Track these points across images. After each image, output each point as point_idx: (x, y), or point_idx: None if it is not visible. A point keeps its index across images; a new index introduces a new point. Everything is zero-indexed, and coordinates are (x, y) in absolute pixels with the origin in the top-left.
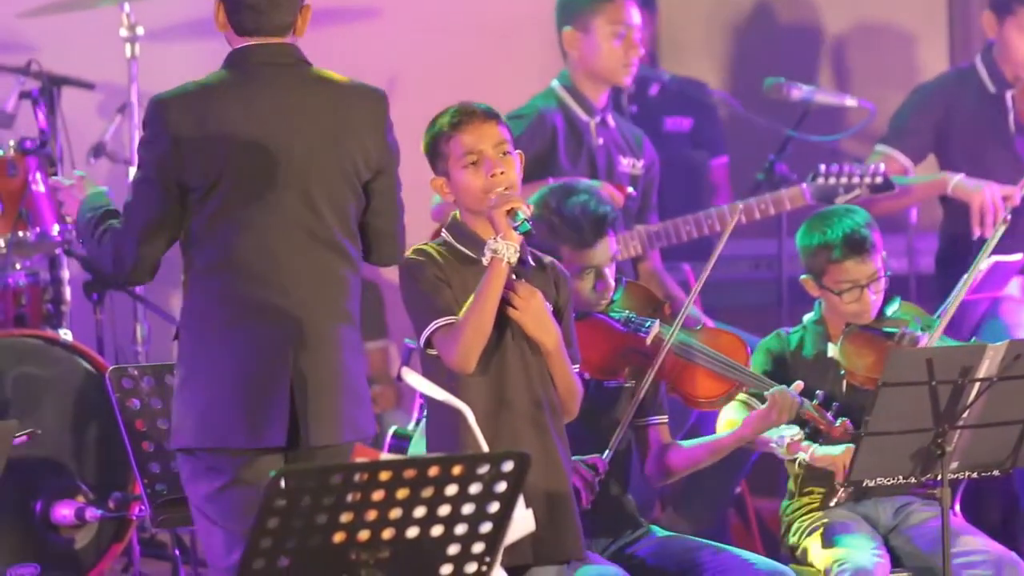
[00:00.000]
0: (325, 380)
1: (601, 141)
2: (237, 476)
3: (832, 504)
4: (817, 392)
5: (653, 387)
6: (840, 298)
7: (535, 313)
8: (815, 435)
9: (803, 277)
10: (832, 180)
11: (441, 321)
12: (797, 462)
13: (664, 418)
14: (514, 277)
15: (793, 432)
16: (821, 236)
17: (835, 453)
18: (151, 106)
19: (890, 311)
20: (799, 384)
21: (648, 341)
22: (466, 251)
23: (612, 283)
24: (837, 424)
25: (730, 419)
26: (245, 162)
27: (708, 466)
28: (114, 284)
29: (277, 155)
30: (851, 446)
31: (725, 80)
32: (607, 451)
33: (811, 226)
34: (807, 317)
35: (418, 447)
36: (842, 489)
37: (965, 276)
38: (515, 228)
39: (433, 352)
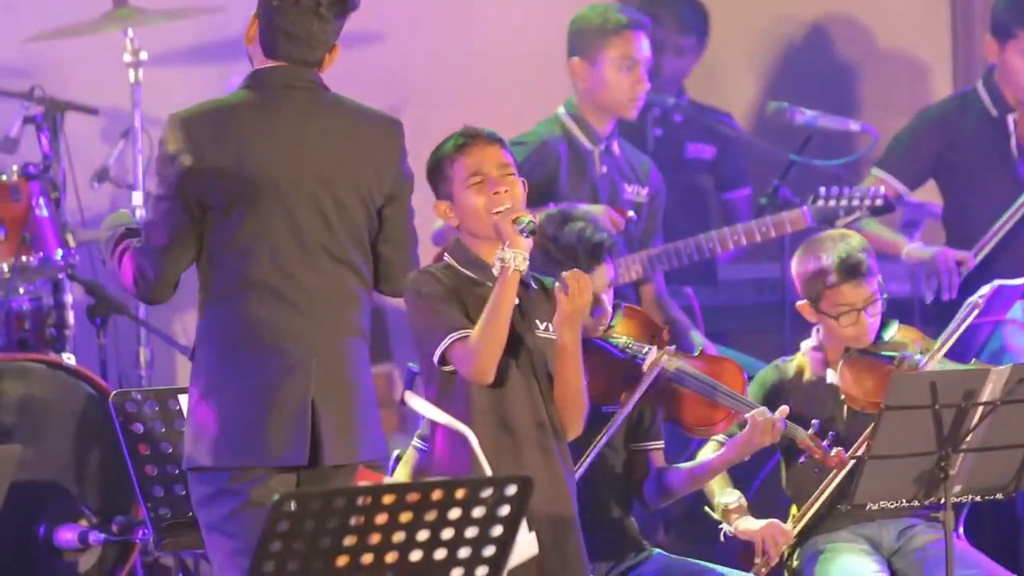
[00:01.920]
0: (342, 398)
1: (605, 169)
2: (251, 498)
3: None
4: (813, 421)
5: (651, 413)
6: (837, 322)
7: (580, 308)
8: (811, 464)
9: (799, 303)
10: (832, 202)
11: (456, 335)
12: (723, 531)
13: (660, 443)
14: (517, 302)
15: (731, 500)
16: (816, 262)
17: (754, 528)
18: (171, 123)
19: (887, 335)
20: (784, 409)
21: (645, 367)
22: (470, 274)
23: (609, 309)
24: (832, 453)
25: (715, 442)
26: (264, 181)
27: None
28: (143, 300)
29: (294, 175)
30: (773, 521)
31: (739, 106)
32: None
33: (806, 252)
34: (804, 344)
35: (399, 474)
36: (762, 564)
37: (961, 319)
38: (521, 231)
39: (448, 368)
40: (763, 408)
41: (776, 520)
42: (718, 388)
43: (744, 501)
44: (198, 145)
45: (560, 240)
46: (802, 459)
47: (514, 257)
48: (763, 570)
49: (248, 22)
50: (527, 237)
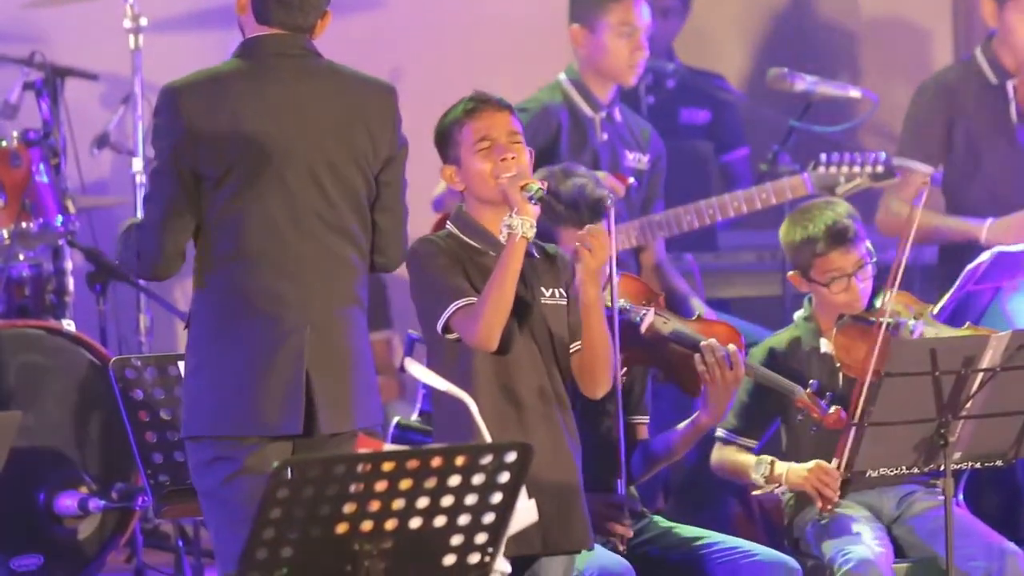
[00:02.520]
0: (337, 366)
1: (606, 137)
2: (246, 465)
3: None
4: (811, 381)
5: (640, 386)
6: (828, 289)
7: (602, 263)
8: (808, 423)
9: (790, 273)
10: (833, 169)
11: (461, 302)
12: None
13: (646, 418)
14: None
15: (763, 468)
16: (803, 231)
17: (801, 479)
18: (164, 93)
19: (880, 301)
20: (732, 346)
21: (643, 330)
22: (472, 243)
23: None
24: (830, 412)
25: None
26: (257, 150)
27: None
28: (147, 277)
29: (288, 143)
30: (816, 464)
31: (732, 71)
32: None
33: (793, 222)
34: (798, 314)
35: None
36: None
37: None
38: (529, 198)
39: (452, 336)
40: (710, 340)
41: (819, 461)
42: None
43: (770, 457)
44: (190, 115)
45: (562, 195)
46: (799, 417)
47: (521, 224)
48: (828, 508)
49: None
50: (535, 204)
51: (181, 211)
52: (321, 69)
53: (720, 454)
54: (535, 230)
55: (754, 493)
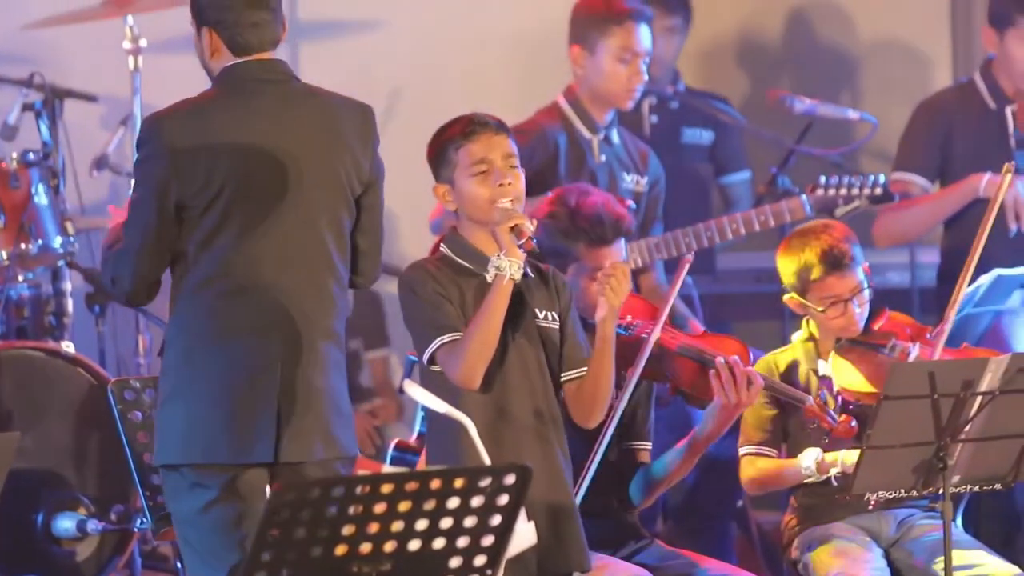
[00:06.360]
0: (310, 397)
1: (603, 158)
2: (221, 493)
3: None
4: (820, 391)
5: (643, 412)
6: (825, 314)
7: (623, 299)
8: (819, 433)
9: (786, 297)
10: (832, 191)
11: (445, 338)
12: (833, 476)
13: (648, 444)
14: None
15: (816, 455)
16: (800, 255)
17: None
18: (147, 124)
19: (877, 325)
20: (737, 358)
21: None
22: (465, 264)
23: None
24: (840, 420)
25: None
26: (242, 179)
27: (710, 479)
28: (120, 302)
29: (273, 171)
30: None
31: (735, 94)
32: None
33: (789, 246)
34: (795, 336)
35: None
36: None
37: (957, 287)
38: (519, 246)
39: (436, 368)
40: (732, 357)
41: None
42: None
43: (817, 448)
44: (174, 146)
45: (583, 210)
46: (811, 426)
47: (510, 266)
48: None
49: (205, 43)
50: (524, 252)
51: (158, 240)
52: (301, 93)
53: (753, 467)
54: (522, 272)
55: (806, 481)
